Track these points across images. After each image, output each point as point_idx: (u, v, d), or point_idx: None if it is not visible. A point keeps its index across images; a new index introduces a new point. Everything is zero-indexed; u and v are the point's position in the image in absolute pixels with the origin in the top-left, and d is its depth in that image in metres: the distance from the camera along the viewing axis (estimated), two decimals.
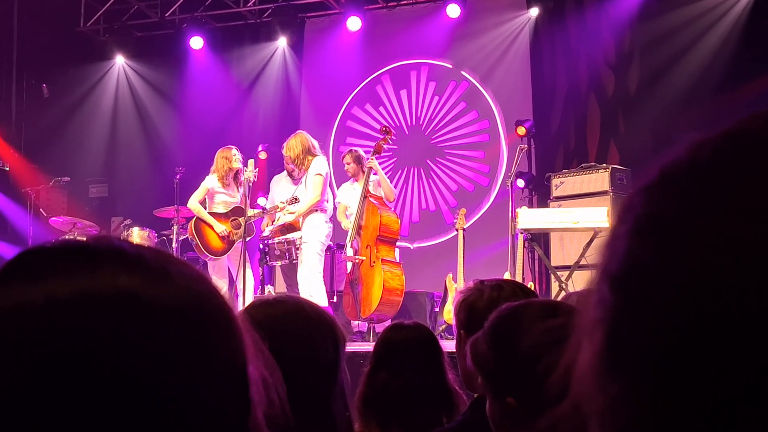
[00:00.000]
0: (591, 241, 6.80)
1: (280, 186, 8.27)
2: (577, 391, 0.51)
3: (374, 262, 7.42)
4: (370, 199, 7.60)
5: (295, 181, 7.92)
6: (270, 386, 0.72)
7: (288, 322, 1.58)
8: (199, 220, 7.72)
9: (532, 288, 7.20)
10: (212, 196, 7.78)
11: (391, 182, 8.62)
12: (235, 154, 7.74)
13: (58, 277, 0.62)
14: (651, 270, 0.47)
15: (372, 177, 7.82)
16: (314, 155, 7.44)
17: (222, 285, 7.74)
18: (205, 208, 7.78)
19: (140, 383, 0.60)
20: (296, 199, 7.27)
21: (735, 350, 0.43)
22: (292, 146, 7.49)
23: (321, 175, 7.32)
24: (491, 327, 1.59)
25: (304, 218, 7.38)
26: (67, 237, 8.77)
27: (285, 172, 8.49)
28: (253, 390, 0.67)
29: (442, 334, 7.17)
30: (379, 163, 8.20)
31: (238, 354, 0.67)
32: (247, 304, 1.71)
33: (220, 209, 7.75)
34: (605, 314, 0.49)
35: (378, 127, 9.33)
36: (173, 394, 0.61)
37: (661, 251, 0.47)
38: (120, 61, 11.47)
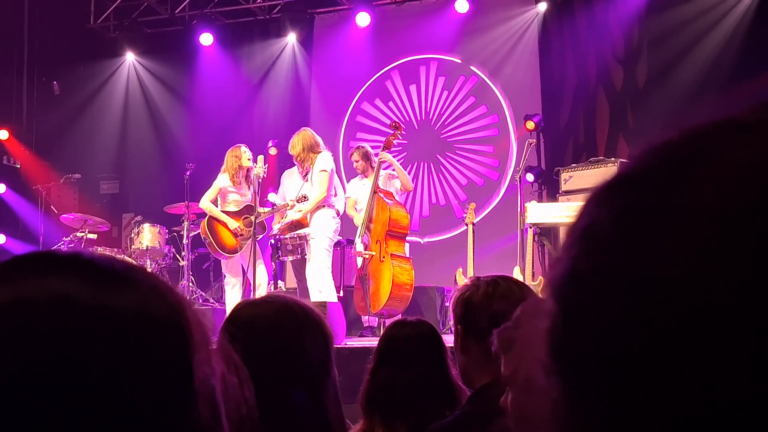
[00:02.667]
0: None
1: (292, 180, 8.29)
2: (525, 398, 0.52)
3: (384, 257, 7.43)
4: (380, 194, 7.61)
5: (305, 176, 7.94)
6: (234, 387, 0.74)
7: (276, 322, 1.60)
8: (212, 218, 7.73)
9: (542, 282, 7.23)
10: (224, 195, 7.80)
11: None
12: (245, 152, 7.74)
13: (1, 284, 0.65)
14: (585, 279, 0.48)
15: (382, 172, 7.83)
16: (317, 152, 7.43)
17: (235, 282, 7.77)
18: (218, 207, 7.80)
19: (71, 388, 0.62)
20: (305, 197, 7.30)
21: (661, 358, 0.44)
22: (294, 144, 7.51)
23: (326, 171, 7.32)
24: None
25: (312, 214, 7.39)
26: (78, 234, 8.83)
27: (296, 168, 8.51)
28: (200, 387, 0.68)
29: (452, 328, 7.18)
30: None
31: (184, 358, 0.68)
32: (234, 306, 1.72)
33: (232, 208, 7.77)
34: (549, 323, 0.50)
35: (388, 122, 9.34)
36: (107, 400, 0.63)
37: (594, 260, 0.48)
38: (130, 57, 11.51)
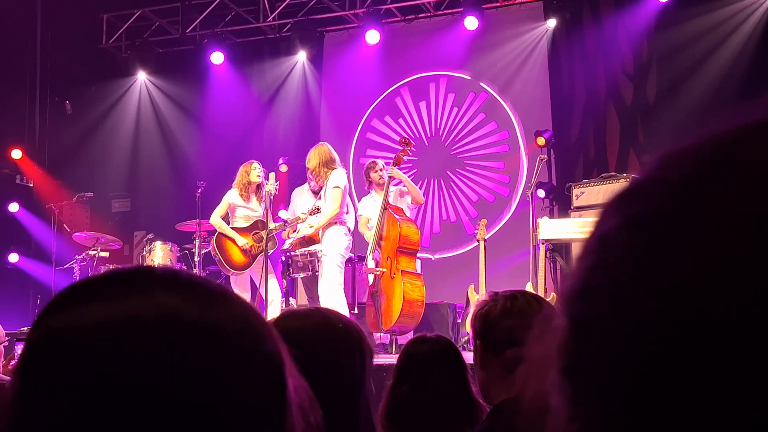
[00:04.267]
0: None
1: (302, 198, 8.31)
2: (537, 421, 0.50)
3: (394, 274, 7.44)
4: (390, 210, 7.62)
5: (316, 194, 7.97)
6: (307, 411, 0.75)
7: (316, 335, 1.60)
8: (222, 235, 7.76)
9: (555, 298, 7.22)
10: (233, 210, 7.84)
11: None
12: (255, 168, 7.78)
13: (106, 301, 0.66)
14: (596, 291, 0.46)
15: (392, 188, 7.84)
16: (333, 168, 7.46)
17: (245, 298, 7.78)
18: (228, 223, 7.83)
19: (182, 402, 0.63)
20: (318, 209, 7.30)
21: (676, 373, 0.42)
22: (310, 157, 7.57)
23: (339, 187, 7.35)
24: None
25: (324, 231, 7.40)
26: (90, 252, 8.86)
27: (306, 185, 8.52)
28: (293, 411, 0.70)
29: (465, 345, 7.17)
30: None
31: (281, 376, 0.70)
32: (274, 317, 1.74)
33: (242, 223, 7.80)
34: (560, 340, 0.48)
35: (397, 138, 9.36)
36: (216, 414, 0.64)
37: (605, 271, 0.46)
38: (142, 77, 11.58)
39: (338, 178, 7.40)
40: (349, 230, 7.60)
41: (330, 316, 1.68)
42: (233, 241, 7.71)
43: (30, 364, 0.65)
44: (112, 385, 0.62)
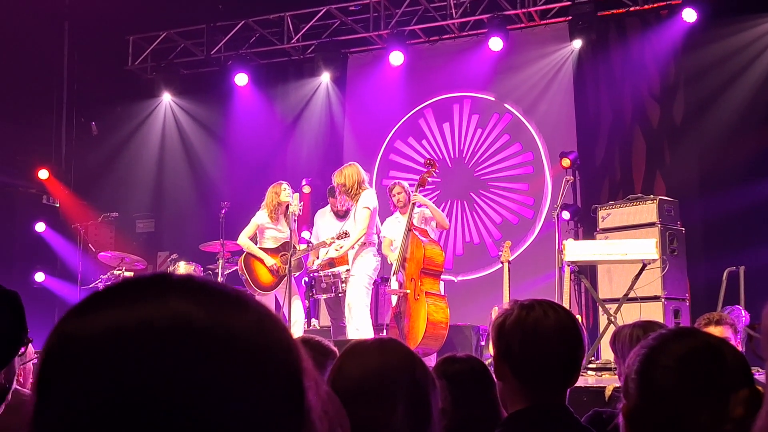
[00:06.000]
0: (640, 273, 6.72)
1: (324, 220, 8.31)
2: None
3: (418, 295, 7.40)
4: (415, 232, 7.59)
5: (339, 217, 7.95)
6: (333, 419, 0.73)
7: (395, 363, 1.70)
8: (249, 255, 7.75)
9: (580, 321, 7.14)
10: (262, 231, 7.83)
11: None
12: (285, 189, 7.76)
13: (121, 307, 0.66)
14: None
15: (416, 209, 7.82)
16: (363, 189, 7.46)
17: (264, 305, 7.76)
18: (256, 244, 7.82)
19: (191, 408, 0.62)
20: (346, 233, 7.30)
21: None
22: (348, 174, 7.50)
23: (369, 208, 7.33)
24: (638, 377, 1.52)
25: (354, 252, 7.39)
26: (114, 272, 8.90)
27: (328, 206, 8.51)
28: (314, 419, 0.68)
29: (489, 367, 7.11)
30: (424, 196, 8.20)
31: (298, 384, 0.68)
32: (350, 347, 1.83)
33: (270, 244, 7.79)
34: None
35: (420, 160, 9.35)
36: (226, 421, 0.63)
37: None
38: (167, 98, 11.67)
39: (368, 199, 7.39)
40: (378, 251, 7.58)
41: (404, 345, 1.81)
42: (261, 261, 7.70)
43: (45, 369, 0.66)
44: (122, 391, 0.62)
